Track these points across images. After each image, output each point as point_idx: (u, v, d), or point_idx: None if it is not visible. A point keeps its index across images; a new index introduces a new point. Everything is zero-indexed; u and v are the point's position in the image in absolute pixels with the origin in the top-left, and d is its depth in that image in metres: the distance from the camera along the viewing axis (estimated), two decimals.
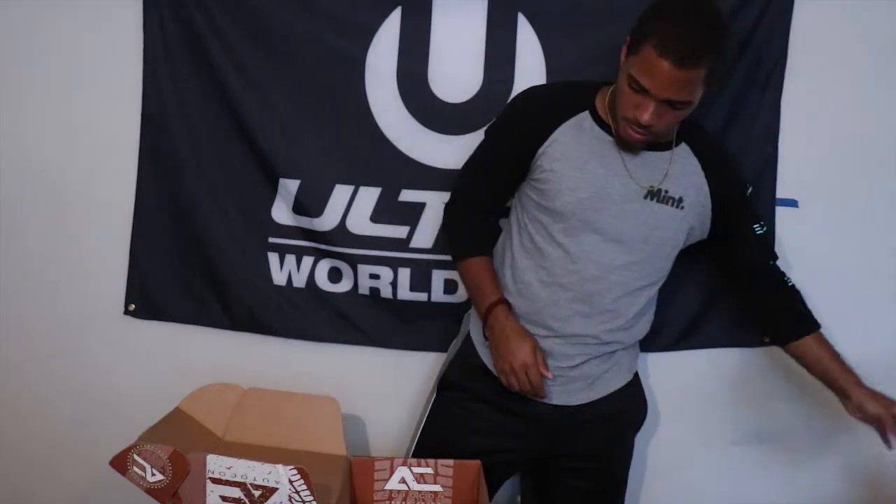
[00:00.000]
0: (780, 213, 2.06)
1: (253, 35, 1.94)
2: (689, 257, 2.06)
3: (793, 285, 1.83)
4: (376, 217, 1.99)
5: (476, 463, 1.64)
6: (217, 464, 1.38)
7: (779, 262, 1.86)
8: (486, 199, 1.79)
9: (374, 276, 2.01)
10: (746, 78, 1.98)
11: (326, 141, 1.97)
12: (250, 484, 1.37)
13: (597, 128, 1.64)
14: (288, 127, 1.98)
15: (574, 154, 1.63)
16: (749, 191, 1.78)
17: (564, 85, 1.78)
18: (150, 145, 2.02)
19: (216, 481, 1.38)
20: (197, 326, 2.09)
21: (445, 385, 1.82)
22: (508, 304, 1.69)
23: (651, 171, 1.65)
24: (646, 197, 1.64)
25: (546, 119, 1.65)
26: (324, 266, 2.04)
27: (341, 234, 2.00)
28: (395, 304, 2.04)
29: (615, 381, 1.77)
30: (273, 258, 2.05)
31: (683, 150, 1.68)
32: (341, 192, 1.98)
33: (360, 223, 1.99)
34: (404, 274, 2.01)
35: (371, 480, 1.63)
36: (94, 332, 2.12)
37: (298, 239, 2.04)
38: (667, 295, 2.07)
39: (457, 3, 1.92)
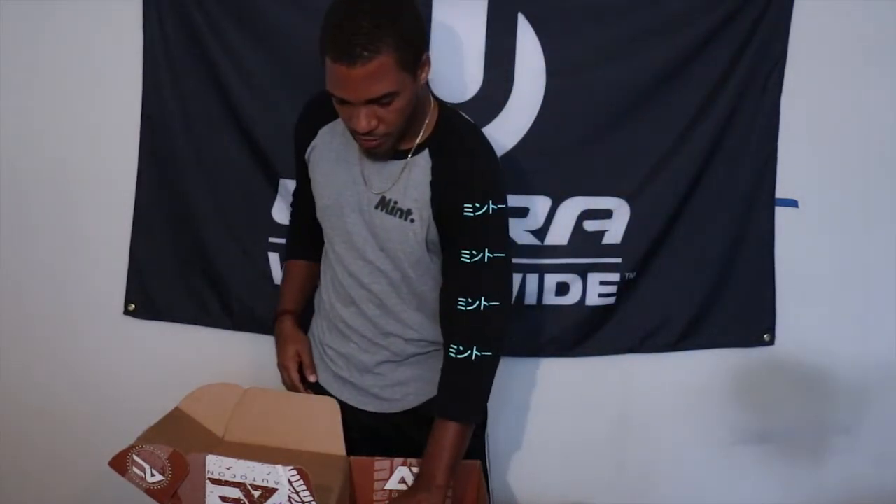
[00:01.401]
0: (780, 213, 2.06)
1: (253, 35, 1.94)
2: (688, 257, 2.07)
3: (460, 357, 1.50)
4: None
5: (476, 463, 1.63)
6: (216, 464, 1.38)
7: (486, 304, 1.50)
8: (304, 208, 1.74)
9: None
10: (746, 78, 1.98)
11: None
12: (250, 484, 1.37)
13: (347, 132, 1.51)
14: (288, 127, 1.97)
15: (324, 158, 1.60)
16: (481, 210, 1.48)
17: None
18: (150, 145, 2.02)
19: (216, 482, 1.38)
20: (197, 326, 2.10)
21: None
22: (290, 313, 1.75)
23: (383, 180, 1.53)
24: (377, 206, 1.53)
25: (311, 124, 1.63)
26: None
27: None
28: None
29: (423, 394, 1.68)
30: (273, 258, 2.05)
31: (423, 158, 1.52)
32: None
33: None
34: None
35: (371, 480, 1.62)
36: (94, 332, 2.12)
37: None
38: (667, 295, 2.08)
39: (457, 3, 1.92)
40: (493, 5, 1.92)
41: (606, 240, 2.04)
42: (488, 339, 1.52)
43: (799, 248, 2.08)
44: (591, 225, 2.03)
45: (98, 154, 2.05)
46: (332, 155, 1.59)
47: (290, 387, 1.73)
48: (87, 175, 2.06)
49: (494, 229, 1.52)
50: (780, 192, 2.06)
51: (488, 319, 1.51)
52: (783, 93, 2.01)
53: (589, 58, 1.96)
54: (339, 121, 1.53)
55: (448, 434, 1.50)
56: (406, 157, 1.52)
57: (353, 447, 1.63)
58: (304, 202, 1.72)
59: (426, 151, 1.52)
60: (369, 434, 1.71)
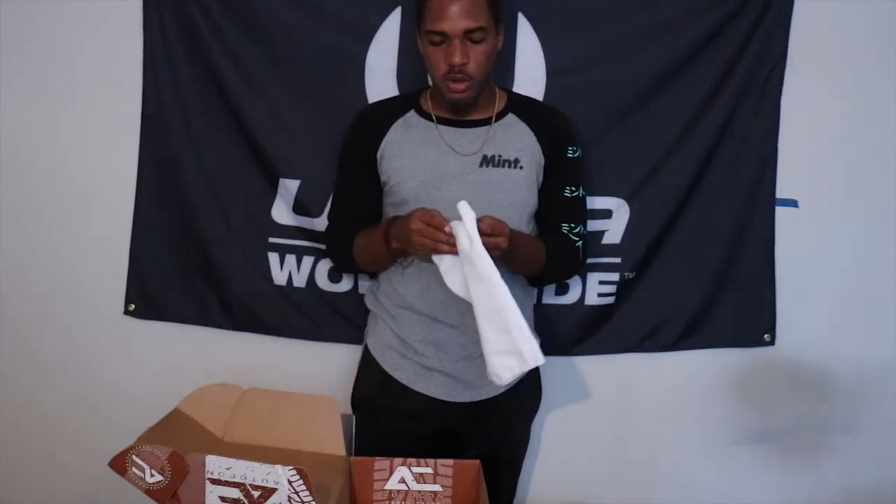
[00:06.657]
0: (780, 213, 2.06)
1: (253, 35, 1.94)
2: (688, 257, 2.07)
3: (570, 238, 1.79)
4: None
5: (476, 462, 1.64)
6: (216, 464, 1.38)
7: (584, 230, 1.82)
8: (363, 219, 1.78)
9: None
10: (746, 78, 1.98)
11: (326, 141, 1.97)
12: (249, 484, 1.38)
13: (422, 120, 1.75)
14: (288, 127, 1.98)
15: (406, 146, 1.74)
16: (576, 153, 1.79)
17: (392, 97, 1.90)
18: (150, 145, 2.03)
19: (215, 482, 1.38)
20: (197, 326, 2.10)
21: (358, 404, 1.82)
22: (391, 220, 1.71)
23: (472, 145, 1.73)
24: (481, 165, 1.71)
25: (377, 126, 1.77)
26: (324, 266, 2.04)
27: None
28: None
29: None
30: (273, 258, 2.05)
31: (511, 119, 1.76)
32: None
33: None
34: None
35: (371, 480, 1.63)
36: (94, 332, 2.12)
37: (298, 239, 2.04)
38: (667, 295, 2.08)
39: None
40: None
41: (606, 240, 2.04)
42: (585, 257, 1.86)
43: (799, 248, 2.08)
44: (590, 225, 2.02)
45: (98, 154, 2.06)
46: (414, 141, 1.74)
47: (438, 239, 1.55)
48: (87, 175, 2.06)
49: (581, 170, 1.84)
50: (780, 192, 2.05)
51: (586, 239, 1.84)
52: (783, 93, 2.01)
53: (589, 58, 1.96)
54: (409, 115, 1.76)
55: (537, 242, 1.74)
56: (486, 124, 1.74)
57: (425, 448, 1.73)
58: (362, 205, 1.79)
59: (510, 115, 1.76)
60: (445, 429, 1.77)
